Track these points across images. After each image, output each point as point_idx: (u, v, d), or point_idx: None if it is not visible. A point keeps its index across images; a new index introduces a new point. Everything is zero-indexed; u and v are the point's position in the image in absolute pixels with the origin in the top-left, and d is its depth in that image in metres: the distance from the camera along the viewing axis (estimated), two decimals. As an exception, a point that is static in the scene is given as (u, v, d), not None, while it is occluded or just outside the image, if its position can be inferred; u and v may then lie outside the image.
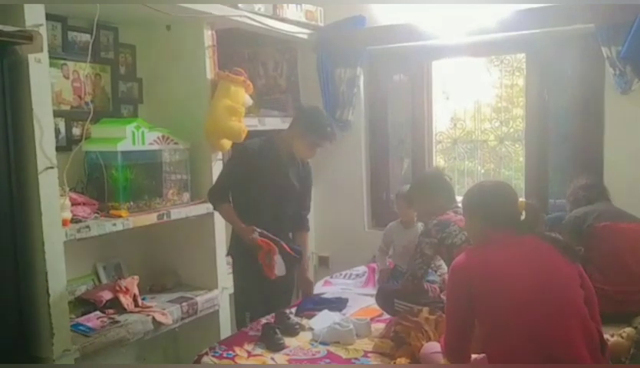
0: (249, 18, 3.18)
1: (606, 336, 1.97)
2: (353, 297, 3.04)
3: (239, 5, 3.10)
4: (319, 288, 3.28)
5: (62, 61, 2.81)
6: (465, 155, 3.94)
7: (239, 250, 2.67)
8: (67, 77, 2.84)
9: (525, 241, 1.91)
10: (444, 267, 2.84)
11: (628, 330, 2.16)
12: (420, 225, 2.97)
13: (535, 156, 3.53)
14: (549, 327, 1.74)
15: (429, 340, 2.28)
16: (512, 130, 3.79)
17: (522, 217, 1.98)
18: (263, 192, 2.66)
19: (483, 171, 3.92)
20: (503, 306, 1.78)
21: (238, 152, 2.79)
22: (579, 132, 3.42)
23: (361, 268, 3.47)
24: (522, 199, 2.03)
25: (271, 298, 2.74)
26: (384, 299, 2.69)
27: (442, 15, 3.41)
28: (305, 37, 3.71)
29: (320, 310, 2.79)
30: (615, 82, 3.10)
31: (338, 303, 2.91)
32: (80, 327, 2.55)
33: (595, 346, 1.79)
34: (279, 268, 2.49)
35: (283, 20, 3.45)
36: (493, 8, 3.28)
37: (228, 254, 2.91)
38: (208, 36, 3.06)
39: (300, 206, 2.85)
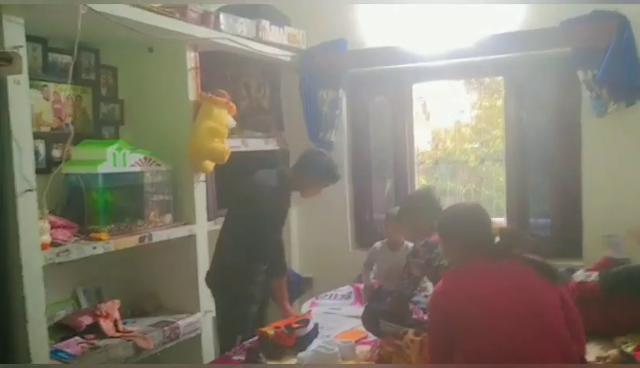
0: (231, 40, 3.19)
1: (592, 359, 1.98)
2: (338, 318, 3.02)
3: (222, 28, 3.12)
4: (305, 309, 3.25)
5: (42, 83, 2.78)
6: (447, 175, 3.99)
7: (222, 275, 2.79)
8: (47, 99, 2.80)
9: (502, 267, 1.91)
10: (430, 289, 2.85)
11: (612, 352, 2.17)
12: (407, 247, 2.98)
13: (515, 176, 3.58)
14: (526, 352, 1.75)
15: (411, 363, 2.27)
16: (492, 151, 3.85)
17: (497, 241, 1.98)
18: (276, 230, 2.86)
19: (464, 191, 3.96)
20: (481, 332, 1.79)
21: (266, 200, 2.78)
22: (558, 153, 3.48)
23: (346, 288, 3.45)
24: (497, 226, 2.05)
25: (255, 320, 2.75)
26: (370, 319, 2.68)
27: (422, 38, 3.47)
28: (288, 59, 3.73)
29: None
30: (591, 105, 3.17)
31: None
32: (60, 354, 2.48)
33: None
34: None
35: (266, 42, 3.47)
36: (471, 31, 3.34)
37: (207, 284, 2.94)
38: (190, 58, 3.06)
39: None
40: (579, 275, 2.72)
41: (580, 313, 1.97)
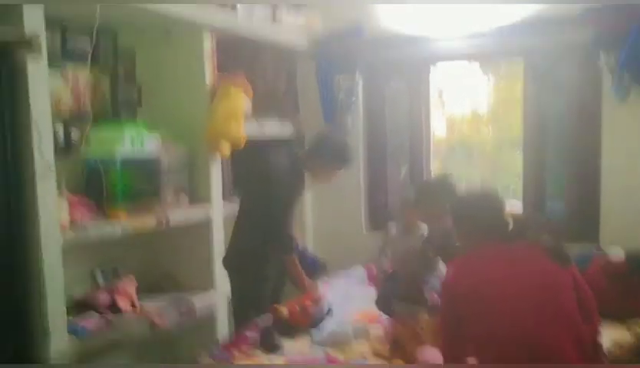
0: (248, 29, 3.20)
1: (607, 340, 1.96)
2: (351, 299, 3.03)
3: (239, 12, 3.12)
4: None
5: (61, 66, 2.82)
6: (462, 160, 3.96)
7: (238, 258, 2.82)
8: (66, 82, 2.85)
9: (512, 250, 1.90)
10: (444, 272, 2.84)
11: (628, 340, 2.16)
12: (422, 229, 2.98)
13: (532, 161, 3.55)
14: (538, 335, 1.74)
15: (423, 344, 2.28)
16: (509, 136, 3.81)
17: (510, 226, 1.97)
18: (289, 211, 2.81)
19: (480, 176, 3.93)
20: (491, 317, 1.78)
21: (279, 183, 2.77)
22: (577, 138, 3.43)
23: (359, 270, 3.47)
24: (513, 210, 2.04)
25: (271, 300, 2.77)
26: (384, 301, 2.68)
27: (440, 18, 3.43)
28: (304, 45, 3.73)
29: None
30: (612, 89, 3.12)
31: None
32: (77, 329, 2.54)
33: (586, 351, 1.78)
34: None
35: (282, 28, 3.47)
36: (492, 12, 3.30)
37: (224, 265, 2.96)
38: (208, 41, 3.08)
39: None
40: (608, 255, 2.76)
41: (606, 291, 1.96)
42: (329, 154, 2.84)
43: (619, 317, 2.43)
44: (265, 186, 2.75)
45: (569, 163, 3.48)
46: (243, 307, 2.83)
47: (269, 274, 2.83)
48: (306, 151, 2.94)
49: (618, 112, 3.17)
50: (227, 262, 2.94)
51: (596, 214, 3.29)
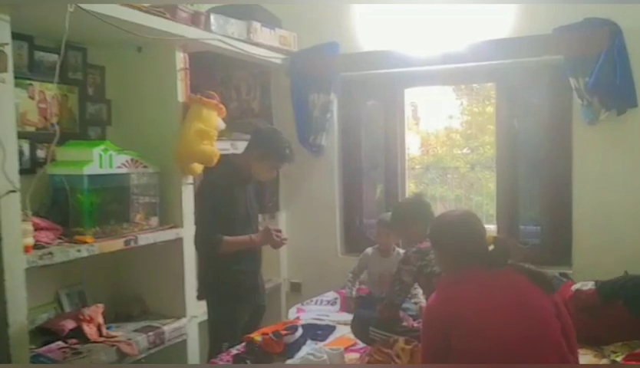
0: (222, 41, 3.15)
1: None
2: (326, 324, 2.98)
3: (213, 28, 3.08)
4: (292, 315, 3.22)
5: (28, 81, 2.72)
6: (437, 180, 3.97)
7: (216, 289, 2.74)
8: (32, 98, 2.75)
9: (497, 276, 1.89)
10: (420, 296, 2.83)
11: (604, 362, 2.16)
12: (398, 253, 2.96)
13: (505, 183, 3.57)
14: (525, 360, 1.72)
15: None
16: (482, 157, 3.84)
17: (491, 249, 1.96)
18: (238, 215, 2.74)
19: (454, 197, 3.95)
20: (479, 343, 1.76)
21: (209, 186, 2.76)
22: (549, 160, 3.47)
23: (332, 295, 3.42)
24: (490, 234, 2.03)
25: (247, 329, 2.71)
26: (360, 326, 2.65)
27: (414, 42, 3.45)
28: (279, 61, 3.70)
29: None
30: (582, 112, 3.17)
31: (325, 331, 2.87)
32: (41, 359, 2.42)
33: None
34: None
35: (257, 44, 3.43)
36: (464, 36, 3.33)
37: (199, 298, 2.91)
38: (180, 58, 3.01)
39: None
40: (578, 283, 2.77)
41: (575, 320, 1.96)
42: (263, 147, 2.76)
43: (588, 343, 2.45)
44: (198, 204, 2.78)
45: (542, 186, 3.52)
46: (217, 332, 2.76)
47: (244, 295, 2.77)
48: (243, 151, 2.89)
49: (589, 135, 3.22)
50: (204, 289, 2.87)
51: (569, 237, 3.32)
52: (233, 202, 2.71)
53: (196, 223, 2.79)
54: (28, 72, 2.72)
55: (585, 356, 2.34)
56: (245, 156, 2.83)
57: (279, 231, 2.81)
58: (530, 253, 3.29)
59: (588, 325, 2.48)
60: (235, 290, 2.75)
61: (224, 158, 2.92)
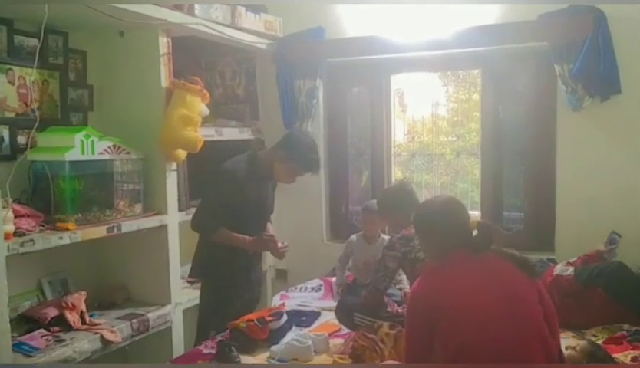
0: (205, 25, 3.11)
1: (562, 349, 1.99)
2: (311, 311, 2.99)
3: (196, 13, 3.04)
4: (276, 302, 3.22)
5: (7, 66, 2.68)
6: (423, 167, 3.97)
7: (210, 270, 2.74)
8: (12, 83, 2.71)
9: (481, 261, 1.90)
10: (405, 282, 2.84)
11: (582, 343, 2.18)
12: (383, 239, 2.97)
13: (490, 170, 3.58)
14: (510, 347, 1.73)
15: (384, 358, 2.26)
16: (467, 144, 3.85)
17: (475, 234, 1.97)
18: (249, 210, 2.71)
19: (439, 184, 3.95)
20: (464, 328, 1.76)
21: (227, 175, 2.68)
22: (533, 147, 3.49)
23: (316, 281, 3.42)
24: (474, 219, 2.03)
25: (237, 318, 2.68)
26: (345, 312, 2.66)
27: (401, 28, 3.43)
28: (264, 47, 3.67)
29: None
30: (566, 99, 3.18)
31: (310, 317, 2.87)
32: (23, 347, 2.40)
33: (554, 362, 1.79)
34: None
35: (241, 29, 3.40)
36: (450, 23, 3.32)
37: (191, 275, 2.88)
38: (163, 43, 2.97)
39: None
40: (558, 268, 2.80)
41: (556, 305, 1.98)
42: (291, 150, 2.71)
43: (569, 327, 2.49)
44: (216, 193, 2.69)
45: (526, 173, 3.54)
46: (206, 318, 2.76)
47: (238, 281, 2.76)
48: (270, 149, 2.85)
49: (573, 121, 3.23)
50: (194, 271, 2.85)
51: (552, 223, 3.35)
52: (245, 196, 2.67)
53: (200, 203, 2.75)
54: (7, 57, 2.68)
55: (566, 339, 2.37)
56: (271, 154, 2.78)
57: (272, 236, 2.77)
58: (514, 238, 3.32)
59: (570, 309, 2.52)
60: (229, 279, 2.74)
61: (251, 152, 2.84)
